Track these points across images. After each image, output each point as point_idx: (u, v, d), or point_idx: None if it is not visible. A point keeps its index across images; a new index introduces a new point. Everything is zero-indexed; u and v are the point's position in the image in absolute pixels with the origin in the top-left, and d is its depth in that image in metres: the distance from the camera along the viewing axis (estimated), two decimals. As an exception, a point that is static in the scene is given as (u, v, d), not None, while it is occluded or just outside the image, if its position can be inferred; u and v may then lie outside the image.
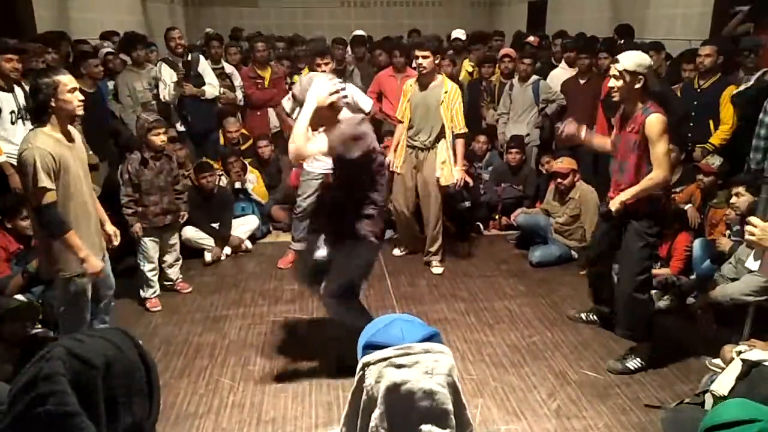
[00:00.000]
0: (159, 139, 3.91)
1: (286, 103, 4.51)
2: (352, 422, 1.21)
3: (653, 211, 3.11)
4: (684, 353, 3.41)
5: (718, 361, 3.15)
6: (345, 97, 4.35)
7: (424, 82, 4.37)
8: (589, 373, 3.25)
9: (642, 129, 3.00)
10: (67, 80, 2.70)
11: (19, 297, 3.69)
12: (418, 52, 4.30)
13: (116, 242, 3.22)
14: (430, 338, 1.19)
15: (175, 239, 4.25)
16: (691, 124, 4.71)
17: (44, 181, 2.65)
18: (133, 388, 0.94)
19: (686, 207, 4.29)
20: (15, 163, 4.00)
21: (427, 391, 1.13)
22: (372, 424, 1.15)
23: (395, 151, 4.62)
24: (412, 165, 4.53)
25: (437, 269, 4.62)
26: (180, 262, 4.33)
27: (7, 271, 3.72)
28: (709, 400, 2.67)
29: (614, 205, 3.12)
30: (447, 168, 4.40)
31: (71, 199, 2.82)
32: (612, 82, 3.07)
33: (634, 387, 3.12)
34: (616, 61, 3.05)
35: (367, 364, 1.16)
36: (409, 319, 1.23)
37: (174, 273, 4.27)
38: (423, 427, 1.13)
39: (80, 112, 2.81)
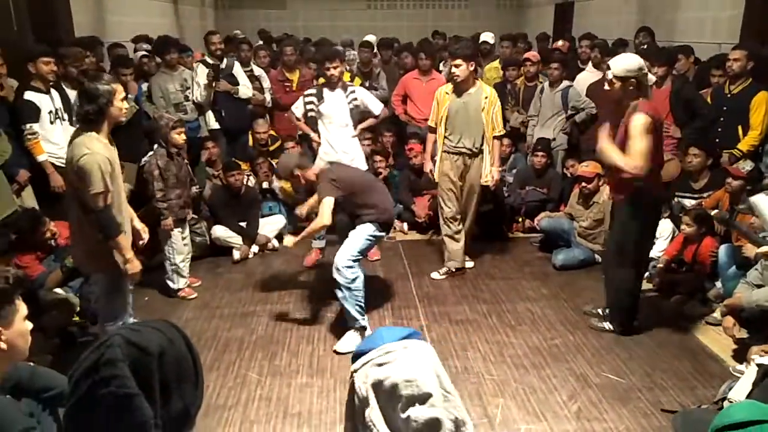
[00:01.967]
0: (180, 137, 4.12)
1: (297, 109, 4.59)
2: (349, 426, 1.32)
3: (636, 200, 3.37)
4: (707, 359, 3.41)
5: (742, 367, 3.15)
6: (355, 99, 4.46)
7: (460, 90, 4.34)
8: (611, 377, 3.27)
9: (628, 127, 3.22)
10: (120, 88, 2.87)
11: (58, 291, 3.86)
12: (451, 62, 4.35)
13: (145, 237, 3.31)
14: (410, 335, 1.29)
15: (186, 232, 4.36)
16: (720, 130, 4.67)
17: (107, 186, 2.79)
18: (183, 376, 1.03)
19: (713, 212, 4.27)
20: (56, 163, 4.21)
21: (408, 379, 1.23)
22: (367, 421, 1.25)
23: (432, 158, 4.59)
24: (459, 171, 4.45)
25: (469, 263, 4.72)
26: (190, 255, 4.40)
27: (41, 269, 3.86)
28: (727, 406, 2.68)
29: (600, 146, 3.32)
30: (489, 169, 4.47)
31: (117, 202, 2.94)
32: (606, 89, 3.28)
33: (656, 391, 3.13)
34: (608, 68, 3.27)
35: (354, 371, 1.28)
36: (389, 327, 1.37)
37: (185, 266, 4.34)
38: (410, 410, 1.22)
39: (124, 119, 3.00)
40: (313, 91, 4.58)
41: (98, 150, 2.77)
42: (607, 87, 3.28)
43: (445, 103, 4.39)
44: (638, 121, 3.16)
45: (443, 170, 4.47)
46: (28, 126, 4.03)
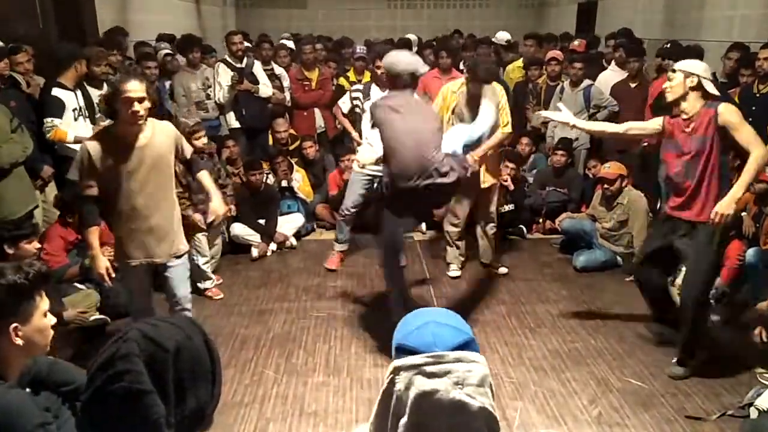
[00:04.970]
0: (201, 141, 4.11)
1: (344, 104, 4.59)
2: (382, 425, 1.21)
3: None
4: (734, 365, 3.31)
5: (769, 374, 3.06)
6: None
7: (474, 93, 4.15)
8: (633, 381, 3.20)
9: (714, 122, 2.94)
10: (125, 88, 2.62)
11: (79, 286, 3.91)
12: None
13: (220, 214, 3.25)
14: (465, 345, 1.15)
15: (218, 234, 4.42)
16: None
17: (75, 174, 2.87)
18: (199, 374, 1.01)
19: (741, 215, 4.16)
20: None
21: (457, 402, 1.10)
22: (399, 431, 1.16)
23: None
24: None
25: (503, 269, 4.62)
26: (219, 254, 4.48)
27: (65, 261, 3.93)
28: (753, 413, 2.61)
29: (727, 208, 2.95)
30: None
31: (114, 198, 2.80)
32: (666, 84, 3.11)
33: (679, 397, 3.06)
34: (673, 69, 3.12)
35: (397, 370, 1.14)
36: (443, 321, 1.19)
37: (210, 267, 4.35)
38: None
39: (135, 121, 2.70)
40: (360, 87, 4.60)
41: (89, 140, 2.78)
42: (664, 86, 3.12)
43: (453, 102, 4.18)
44: (730, 109, 2.95)
45: None
46: (48, 120, 4.04)
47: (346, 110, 4.63)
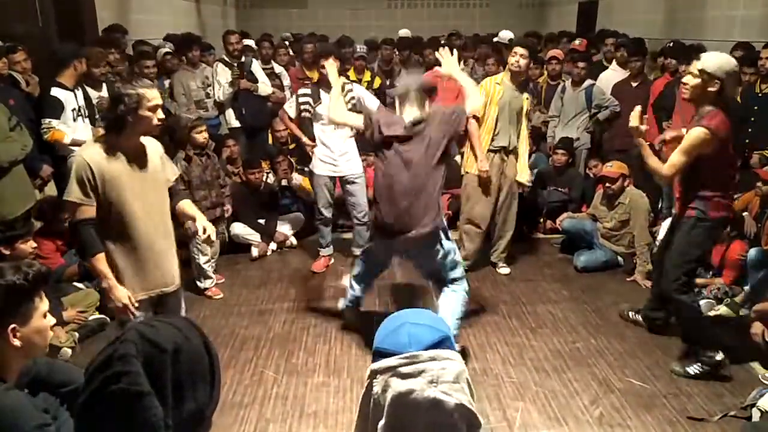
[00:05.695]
0: (201, 136, 4.11)
1: (290, 109, 4.50)
2: (362, 429, 1.21)
3: (712, 220, 3.06)
4: (735, 365, 3.30)
5: (772, 375, 3.05)
6: (352, 98, 4.30)
7: (518, 83, 4.23)
8: (634, 382, 3.19)
9: None
10: (150, 95, 2.40)
11: (80, 285, 3.90)
12: (517, 50, 4.13)
13: (212, 237, 2.65)
14: (439, 343, 1.15)
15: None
16: (750, 130, 4.55)
17: (75, 194, 2.38)
18: (198, 375, 1.00)
19: (743, 215, 4.15)
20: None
21: (432, 400, 1.10)
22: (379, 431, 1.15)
23: (473, 154, 4.31)
24: (499, 170, 4.35)
25: (505, 269, 4.62)
26: (217, 255, 4.40)
27: (60, 261, 3.91)
28: (756, 414, 2.60)
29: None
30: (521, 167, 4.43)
31: (118, 222, 2.46)
32: (686, 78, 2.94)
33: (681, 398, 3.04)
34: (698, 59, 2.92)
35: (374, 374, 1.15)
36: (418, 321, 1.18)
37: (211, 267, 4.29)
38: None
39: (156, 130, 2.51)
40: (308, 90, 4.41)
41: (87, 154, 2.41)
42: (684, 80, 2.95)
43: (498, 94, 4.19)
44: (692, 134, 2.86)
45: (484, 170, 4.27)
46: (46, 121, 4.02)
47: (293, 115, 4.45)
